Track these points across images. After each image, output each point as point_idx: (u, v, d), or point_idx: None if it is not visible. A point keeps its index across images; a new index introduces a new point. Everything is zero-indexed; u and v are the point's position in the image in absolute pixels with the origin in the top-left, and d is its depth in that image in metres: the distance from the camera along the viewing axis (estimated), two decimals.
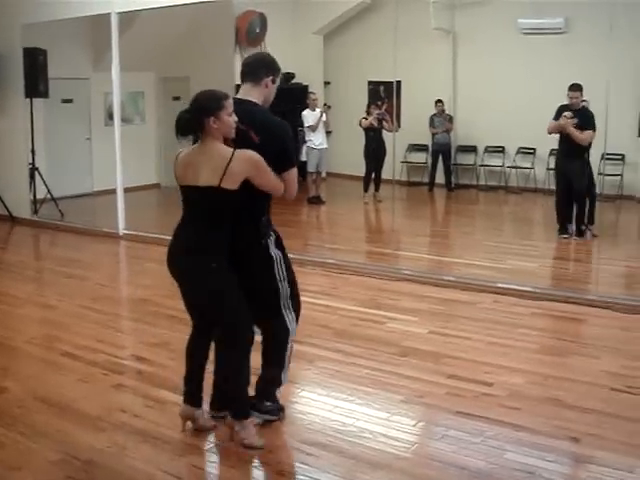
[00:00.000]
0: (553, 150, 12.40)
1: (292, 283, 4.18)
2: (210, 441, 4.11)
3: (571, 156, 9.21)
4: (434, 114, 13.67)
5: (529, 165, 13.12)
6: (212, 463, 3.88)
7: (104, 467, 3.81)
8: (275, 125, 3.99)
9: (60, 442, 4.08)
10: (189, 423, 4.17)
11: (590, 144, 9.15)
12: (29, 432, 4.21)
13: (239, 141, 3.83)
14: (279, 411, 4.35)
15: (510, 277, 7.52)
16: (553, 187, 12.53)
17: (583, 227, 9.36)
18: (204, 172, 3.77)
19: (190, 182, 3.85)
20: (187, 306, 4.12)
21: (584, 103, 9.22)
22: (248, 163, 3.75)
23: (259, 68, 4.08)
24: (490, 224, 11.72)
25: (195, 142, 3.95)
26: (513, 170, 13.35)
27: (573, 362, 5.37)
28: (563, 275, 7.95)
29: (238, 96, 4.07)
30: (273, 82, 4.11)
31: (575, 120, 9.07)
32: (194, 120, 3.81)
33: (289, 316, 4.16)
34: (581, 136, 9.01)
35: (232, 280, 3.90)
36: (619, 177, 11.47)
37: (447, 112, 13.73)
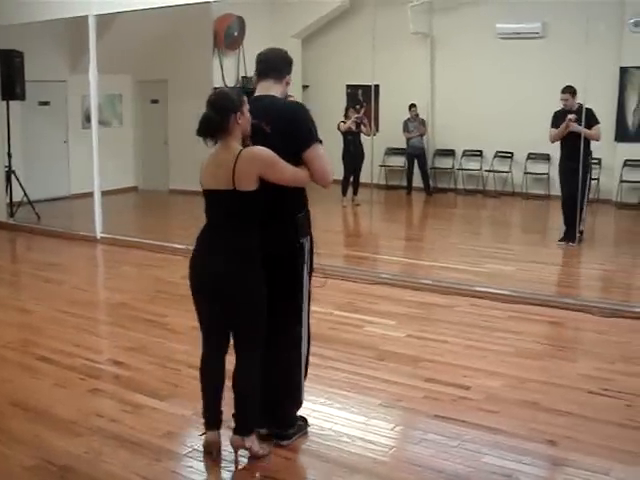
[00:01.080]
0: (530, 154, 12.55)
1: (310, 291, 4.13)
2: (187, 446, 4.08)
3: (576, 160, 9.02)
4: (408, 119, 13.75)
5: (506, 169, 13.22)
6: (189, 468, 3.85)
7: (80, 473, 3.78)
8: (284, 109, 3.90)
9: (35, 447, 4.04)
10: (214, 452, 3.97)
11: (588, 145, 9.09)
12: (4, 437, 4.17)
13: (254, 136, 3.77)
14: (304, 425, 4.26)
15: (487, 280, 7.55)
16: (530, 191, 12.72)
17: (579, 233, 9.31)
18: (221, 176, 3.66)
19: (211, 186, 3.75)
20: (206, 318, 3.90)
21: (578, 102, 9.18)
22: (254, 160, 3.63)
23: (282, 64, 4.01)
24: (468, 228, 11.76)
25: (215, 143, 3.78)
26: (491, 174, 13.44)
27: (550, 365, 5.39)
28: (540, 279, 7.98)
29: (258, 93, 3.98)
30: (291, 80, 4.06)
31: (574, 117, 8.98)
32: (221, 118, 3.65)
33: (305, 323, 4.08)
34: (592, 132, 8.93)
35: (265, 287, 3.78)
36: (596, 181, 11.56)
37: (422, 116, 13.79)
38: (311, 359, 5.01)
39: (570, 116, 8.92)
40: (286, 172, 3.71)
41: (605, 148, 11.48)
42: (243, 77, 12.93)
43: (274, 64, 3.99)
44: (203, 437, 3.97)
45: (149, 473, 3.76)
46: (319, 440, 4.13)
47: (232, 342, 3.90)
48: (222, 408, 3.95)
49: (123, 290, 7.55)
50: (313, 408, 4.55)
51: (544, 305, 6.76)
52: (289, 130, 3.77)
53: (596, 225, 11.08)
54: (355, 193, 12.81)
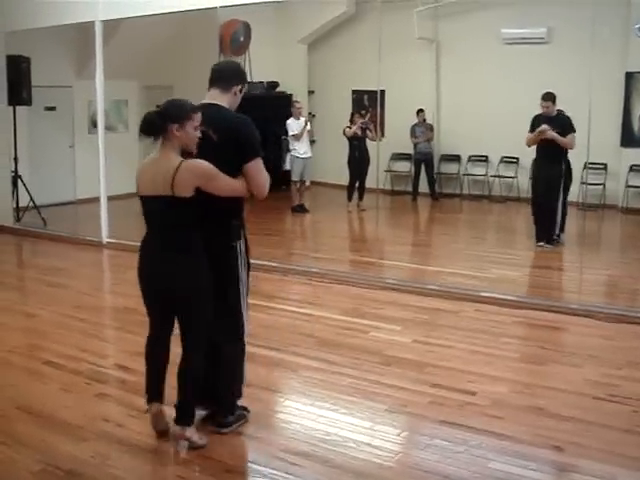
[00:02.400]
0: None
1: (248, 287, 4.31)
2: (193, 450, 4.09)
3: (550, 163, 9.25)
4: (415, 124, 13.74)
5: (512, 174, 13.19)
6: (195, 473, 3.86)
7: (86, 477, 3.78)
8: (232, 120, 4.08)
9: (42, 452, 4.05)
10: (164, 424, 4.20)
11: (567, 150, 9.21)
12: (10, 442, 4.18)
13: (201, 143, 3.92)
14: (245, 413, 4.45)
15: (493, 286, 7.54)
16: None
17: (555, 236, 9.41)
18: (160, 182, 3.83)
19: (149, 192, 3.93)
20: (152, 307, 4.16)
21: (558, 109, 9.26)
22: (193, 173, 3.81)
23: (232, 76, 4.21)
24: (473, 233, 11.75)
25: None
26: (496, 179, 13.42)
27: (555, 371, 5.39)
28: (545, 284, 7.98)
29: (205, 100, 4.16)
30: (241, 91, 4.23)
31: (547, 128, 9.12)
32: (158, 122, 3.87)
33: (245, 315, 4.28)
34: (565, 140, 9.05)
35: (210, 281, 3.99)
36: (601, 186, 11.55)
37: (428, 121, 13.79)
38: (317, 364, 5.03)
39: (543, 127, 9.13)
40: (226, 185, 3.92)
41: (611, 153, 11.49)
42: (249, 82, 12.94)
43: (223, 74, 4.22)
44: (149, 414, 4.19)
45: (155, 478, 3.78)
46: (325, 445, 4.13)
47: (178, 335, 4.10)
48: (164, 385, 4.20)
49: (129, 295, 7.52)
50: (319, 413, 4.56)
51: (549, 310, 6.76)
52: (234, 141, 3.98)
53: (602, 230, 11.07)
54: (360, 198, 12.80)
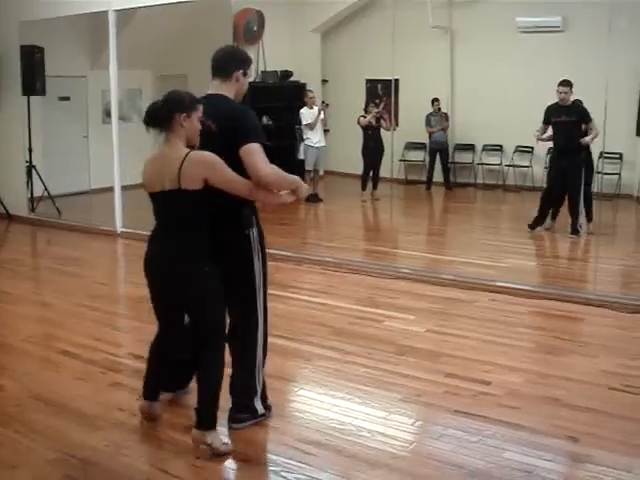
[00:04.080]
0: (551, 149, 12.44)
1: (265, 277, 4.19)
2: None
3: (567, 152, 9.22)
4: (430, 113, 13.68)
5: (527, 163, 13.13)
6: (211, 462, 3.86)
7: (101, 466, 3.80)
8: (232, 109, 3.99)
9: (57, 440, 4.07)
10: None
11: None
12: (26, 430, 4.20)
13: (202, 134, 3.86)
14: (264, 412, 4.32)
15: (508, 275, 7.51)
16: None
17: (579, 225, 9.36)
18: (166, 175, 3.74)
19: (156, 188, 3.83)
20: (158, 306, 4.11)
21: (575, 99, 9.21)
22: (200, 164, 3.72)
23: (228, 63, 4.09)
24: (488, 222, 11.72)
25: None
26: (511, 168, 13.35)
27: (571, 361, 5.37)
28: (561, 274, 7.95)
29: (209, 92, 4.08)
30: (244, 75, 4.10)
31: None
32: (165, 112, 3.78)
33: (261, 309, 4.16)
34: (594, 137, 9.01)
35: (218, 283, 3.89)
36: (617, 176, 11.47)
37: (443, 110, 13.74)
38: (331, 353, 5.02)
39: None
40: (231, 180, 3.76)
41: (626, 143, 11.40)
42: (262, 72, 12.92)
43: (220, 63, 4.10)
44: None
45: (169, 467, 3.78)
46: (339, 435, 4.13)
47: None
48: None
49: (143, 284, 7.49)
50: (333, 403, 4.56)
51: (565, 300, 6.73)
52: (234, 130, 3.84)
53: (617, 220, 11.00)
54: (375, 187, 12.77)
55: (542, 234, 9.69)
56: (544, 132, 9.53)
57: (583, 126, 9.20)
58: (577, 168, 9.20)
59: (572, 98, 9.26)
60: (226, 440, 3.98)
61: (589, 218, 9.47)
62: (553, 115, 9.25)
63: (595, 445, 3.98)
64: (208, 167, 3.72)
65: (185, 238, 3.82)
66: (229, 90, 4.05)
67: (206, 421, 3.87)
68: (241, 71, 4.08)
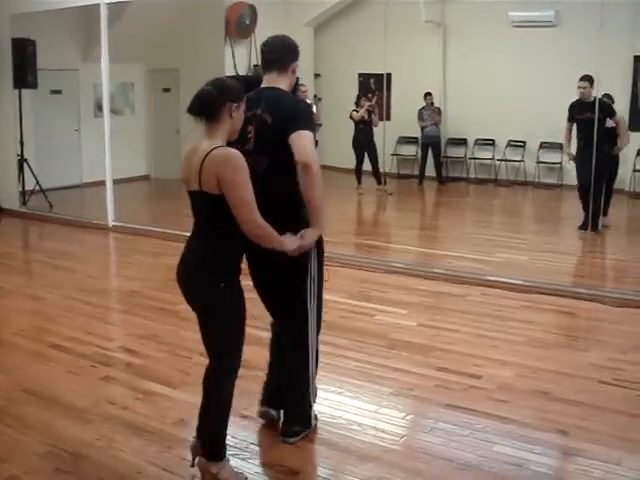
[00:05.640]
0: (543, 143, 12.49)
1: (320, 283, 4.01)
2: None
3: (587, 148, 9.00)
4: (423, 107, 13.69)
5: (519, 158, 13.16)
6: (201, 456, 3.85)
7: (92, 459, 3.80)
8: (289, 102, 3.80)
9: (48, 434, 4.07)
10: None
11: (612, 136, 9.05)
12: (16, 424, 4.20)
13: (257, 127, 3.71)
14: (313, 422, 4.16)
15: (500, 270, 7.53)
16: (543, 180, 12.66)
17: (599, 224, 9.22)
18: (192, 173, 3.33)
19: (189, 186, 3.40)
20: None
21: (605, 93, 9.10)
22: (218, 163, 3.23)
23: (286, 54, 3.91)
24: (480, 217, 11.74)
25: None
26: (503, 163, 13.39)
27: (562, 355, 5.38)
28: (552, 268, 7.96)
29: (264, 85, 3.89)
30: (297, 66, 3.97)
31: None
32: (218, 99, 3.33)
33: (311, 313, 3.92)
34: (624, 139, 9.04)
35: (238, 304, 3.47)
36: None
37: (436, 105, 13.74)
38: (322, 347, 5.01)
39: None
40: (243, 191, 3.25)
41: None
42: (255, 65, 12.88)
43: (278, 55, 3.90)
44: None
45: (160, 460, 3.77)
46: (330, 428, 4.13)
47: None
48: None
49: (135, 278, 7.56)
50: (324, 396, 4.55)
51: (556, 295, 6.75)
52: (288, 118, 3.67)
53: (609, 215, 11.03)
54: (380, 182, 12.71)
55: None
56: (571, 131, 9.29)
57: (608, 121, 8.95)
58: (601, 166, 8.82)
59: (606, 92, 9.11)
60: (236, 475, 3.63)
61: (604, 213, 9.43)
62: (575, 112, 9.05)
63: (585, 439, 4.00)
64: (229, 167, 3.23)
65: (202, 246, 3.43)
66: (285, 83, 3.88)
67: (211, 450, 3.58)
68: (296, 63, 3.94)
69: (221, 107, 3.34)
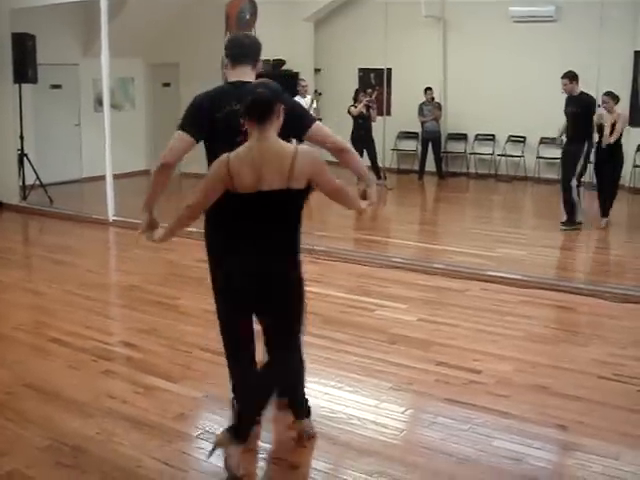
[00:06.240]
0: (543, 139, 12.49)
1: None
2: (198, 428, 4.11)
3: (570, 142, 9.30)
4: (423, 102, 13.68)
5: (519, 153, 13.17)
6: (201, 450, 3.87)
7: (92, 453, 3.81)
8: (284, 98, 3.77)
9: (48, 428, 4.07)
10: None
11: (589, 133, 9.17)
12: (17, 418, 4.21)
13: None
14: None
15: (499, 265, 7.54)
16: (542, 175, 12.67)
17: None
18: (275, 173, 3.42)
19: (262, 187, 3.43)
20: (246, 327, 3.78)
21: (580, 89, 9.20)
22: (312, 162, 3.48)
23: (256, 50, 3.97)
24: (480, 212, 11.74)
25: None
26: (503, 158, 13.39)
27: (561, 350, 5.39)
28: (552, 263, 7.97)
29: (235, 78, 3.89)
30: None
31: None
32: (273, 101, 3.47)
33: None
34: (618, 130, 9.10)
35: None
36: None
37: (436, 100, 13.74)
38: (322, 342, 5.04)
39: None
40: (333, 179, 3.59)
41: None
42: None
43: (249, 50, 3.94)
44: None
45: (160, 454, 3.78)
46: (330, 423, 4.14)
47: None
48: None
49: (135, 273, 7.57)
50: (324, 391, 4.57)
51: (556, 290, 6.75)
52: (295, 115, 3.72)
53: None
54: (379, 177, 12.68)
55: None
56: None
57: (602, 117, 9.18)
58: (573, 157, 9.23)
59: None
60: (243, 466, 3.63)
61: (604, 213, 9.48)
62: (564, 106, 9.27)
63: (584, 433, 4.01)
64: (319, 165, 3.51)
65: (283, 239, 3.59)
66: (253, 77, 3.91)
67: (307, 410, 4.01)
68: (260, 59, 4.00)
69: (275, 109, 3.47)
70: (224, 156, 3.47)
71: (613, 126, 9.10)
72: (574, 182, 9.27)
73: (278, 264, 3.56)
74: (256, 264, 3.53)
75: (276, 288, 3.56)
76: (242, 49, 3.95)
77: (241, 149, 3.48)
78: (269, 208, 3.50)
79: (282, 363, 3.75)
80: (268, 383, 3.72)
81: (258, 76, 3.95)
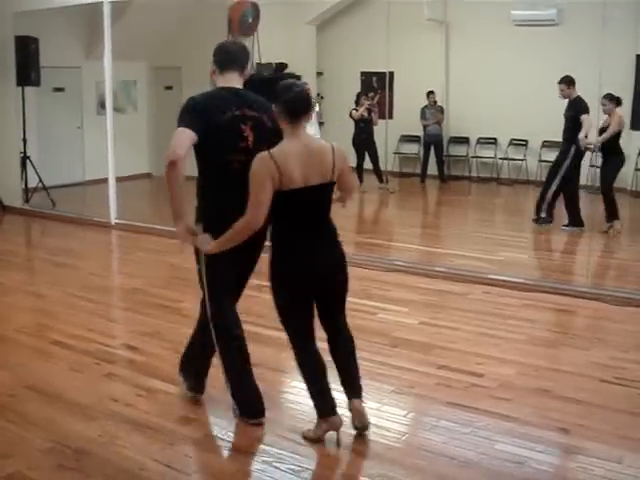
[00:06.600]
0: (545, 142, 12.49)
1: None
2: (201, 430, 4.11)
3: (562, 144, 9.54)
4: (425, 106, 13.69)
5: (521, 157, 13.17)
6: (203, 452, 3.88)
7: (95, 456, 3.81)
8: (268, 103, 3.91)
9: (51, 431, 4.08)
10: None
11: (575, 134, 9.22)
12: (20, 421, 4.21)
13: (255, 126, 3.86)
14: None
15: (501, 268, 7.54)
16: (545, 179, 12.62)
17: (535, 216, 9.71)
18: (325, 167, 3.69)
19: (316, 181, 3.67)
20: (312, 310, 4.09)
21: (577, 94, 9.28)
22: (344, 158, 3.80)
23: (244, 57, 4.05)
24: (482, 216, 11.74)
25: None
26: (505, 162, 13.39)
27: (563, 353, 5.39)
28: (554, 267, 7.97)
29: (225, 84, 3.98)
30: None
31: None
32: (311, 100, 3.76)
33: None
34: (583, 134, 9.17)
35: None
36: None
37: (439, 103, 13.74)
38: (323, 345, 5.02)
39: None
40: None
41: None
42: (257, 63, 12.90)
43: (240, 57, 4.03)
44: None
45: (163, 457, 3.79)
46: None
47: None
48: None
49: (137, 275, 7.58)
50: None
51: (558, 293, 6.75)
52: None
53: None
54: (381, 181, 12.70)
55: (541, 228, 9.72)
56: None
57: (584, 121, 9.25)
58: (561, 159, 9.51)
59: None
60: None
61: (608, 219, 9.50)
62: (565, 110, 9.48)
63: (586, 437, 4.01)
64: (347, 162, 3.83)
65: (333, 228, 3.96)
66: (241, 83, 4.00)
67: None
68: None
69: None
70: (264, 153, 3.58)
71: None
72: (554, 185, 9.47)
73: (338, 249, 3.98)
74: (321, 250, 3.87)
75: (341, 267, 4.02)
76: (230, 55, 4.02)
77: (281, 146, 3.62)
78: (318, 201, 3.76)
79: (347, 327, 4.23)
80: (351, 347, 4.17)
81: (246, 82, 4.01)
